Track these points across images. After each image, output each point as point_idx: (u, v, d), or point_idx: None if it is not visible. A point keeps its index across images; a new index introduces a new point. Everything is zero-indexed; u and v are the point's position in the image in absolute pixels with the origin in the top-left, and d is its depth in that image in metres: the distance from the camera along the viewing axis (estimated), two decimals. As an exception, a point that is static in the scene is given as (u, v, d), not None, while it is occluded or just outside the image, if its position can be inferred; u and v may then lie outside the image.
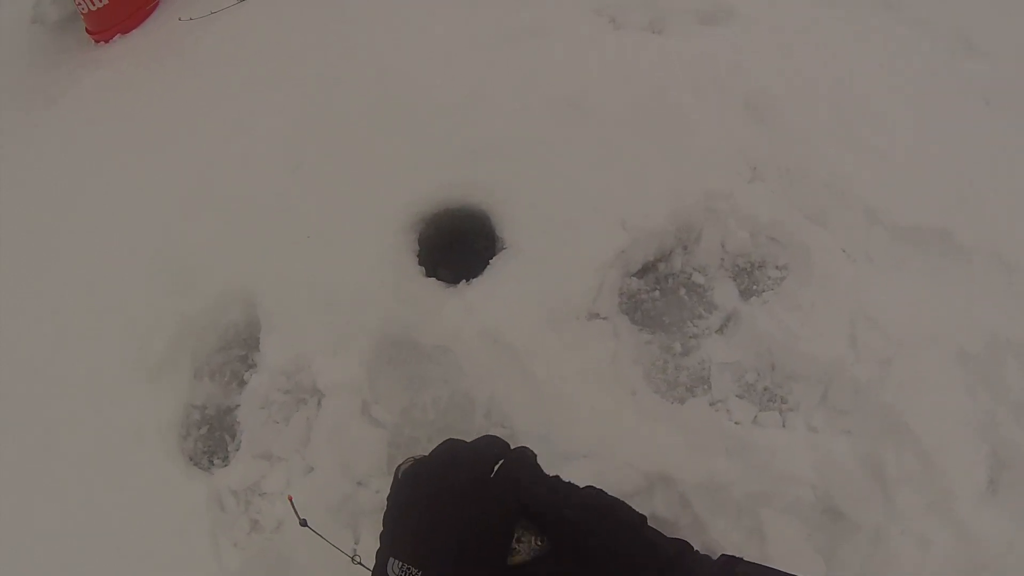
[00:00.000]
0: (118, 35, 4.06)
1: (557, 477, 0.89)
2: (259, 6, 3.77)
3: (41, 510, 2.34)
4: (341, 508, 2.16)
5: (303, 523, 1.71)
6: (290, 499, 1.76)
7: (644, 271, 2.45)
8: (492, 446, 0.90)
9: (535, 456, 0.90)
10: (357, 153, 2.82)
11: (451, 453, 0.90)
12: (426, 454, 0.91)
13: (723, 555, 0.82)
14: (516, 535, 0.81)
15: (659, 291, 2.42)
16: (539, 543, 0.81)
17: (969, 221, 2.41)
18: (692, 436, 2.12)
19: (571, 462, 2.10)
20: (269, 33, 3.59)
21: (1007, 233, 2.39)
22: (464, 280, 2.45)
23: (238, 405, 2.43)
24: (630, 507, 0.85)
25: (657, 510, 2.05)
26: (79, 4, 3.99)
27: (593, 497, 0.86)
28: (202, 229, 2.78)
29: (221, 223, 2.77)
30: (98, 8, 3.96)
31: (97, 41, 4.09)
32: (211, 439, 2.42)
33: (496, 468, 0.86)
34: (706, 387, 2.24)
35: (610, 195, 2.50)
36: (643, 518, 0.84)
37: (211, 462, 2.39)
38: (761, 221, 2.46)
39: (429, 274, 2.51)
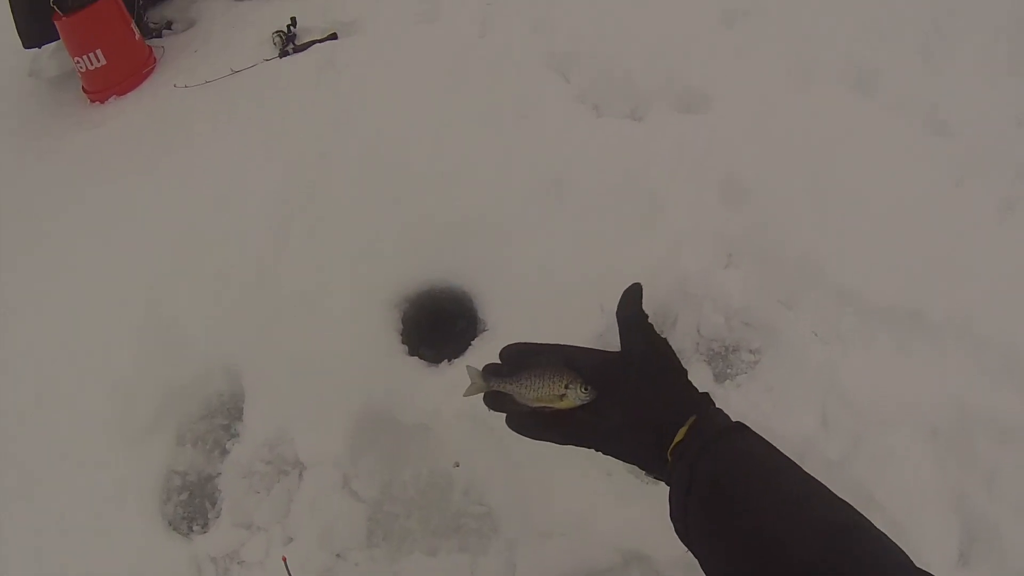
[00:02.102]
0: (114, 96, 4.12)
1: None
2: (252, 77, 3.86)
3: (17, 570, 2.35)
4: (320, 580, 2.19)
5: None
6: (284, 560, 1.81)
7: (622, 353, 2.50)
8: None
9: None
10: (343, 229, 2.89)
11: None
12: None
13: (737, 421, 0.90)
14: (565, 383, 0.92)
15: (636, 374, 2.47)
16: (584, 391, 0.91)
17: (940, 299, 2.46)
18: (667, 515, 2.15)
19: (548, 540, 2.14)
20: (260, 104, 3.67)
21: (977, 309, 2.43)
22: (446, 360, 2.52)
23: (219, 473, 2.46)
24: (676, 359, 0.95)
25: (633, 587, 2.09)
26: (77, 62, 4.06)
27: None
28: (188, 297, 2.82)
29: (207, 292, 2.81)
30: (96, 68, 4.04)
31: (93, 100, 4.16)
32: (191, 505, 2.45)
33: None
34: (682, 467, 2.29)
35: (588, 278, 2.56)
36: (684, 371, 0.95)
37: (191, 528, 2.40)
38: (735, 306, 2.53)
39: (412, 352, 2.57)
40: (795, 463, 0.85)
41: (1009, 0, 3.60)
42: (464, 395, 1.01)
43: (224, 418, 2.58)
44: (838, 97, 3.25)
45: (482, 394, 1.00)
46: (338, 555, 2.23)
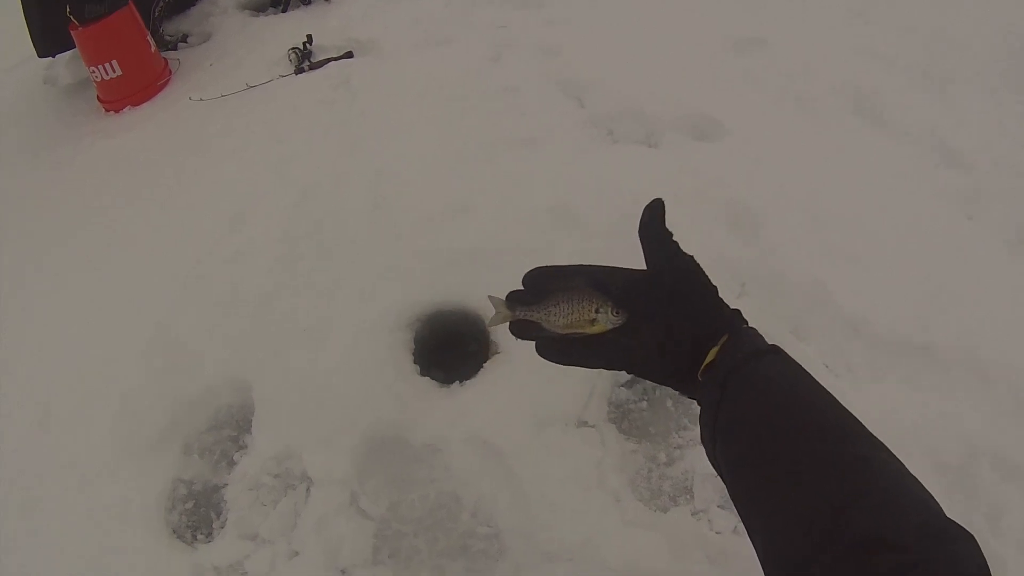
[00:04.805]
0: (129, 107, 4.16)
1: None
2: (267, 93, 3.90)
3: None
4: (324, 595, 2.19)
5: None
6: None
7: (632, 381, 2.51)
8: None
9: None
10: (356, 251, 2.92)
11: None
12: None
13: (772, 344, 0.89)
14: (596, 307, 0.90)
15: (646, 401, 2.47)
16: (615, 314, 0.90)
17: (948, 332, 2.47)
18: (674, 544, 2.15)
19: (554, 563, 2.13)
20: (275, 123, 3.71)
21: (984, 343, 2.44)
22: (457, 381, 2.53)
23: (226, 484, 2.45)
24: (704, 276, 0.94)
25: (640, 614, 2.10)
26: (93, 72, 4.10)
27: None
28: (198, 313, 2.83)
29: (218, 309, 2.82)
30: (111, 79, 4.07)
31: (108, 110, 4.19)
32: (196, 514, 2.43)
33: None
34: (689, 496, 2.28)
35: (603, 304, 2.56)
36: (714, 288, 0.94)
37: (195, 537, 2.39)
38: (747, 335, 2.53)
39: (423, 373, 2.58)
40: (827, 391, 0.83)
41: (1006, 20, 3.65)
42: (488, 325, 1.00)
43: (232, 430, 2.58)
44: (847, 125, 3.31)
45: (507, 324, 0.97)
46: (343, 571, 2.21)
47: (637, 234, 0.97)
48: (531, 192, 3.02)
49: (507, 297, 0.97)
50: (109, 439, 2.56)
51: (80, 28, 3.94)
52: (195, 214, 3.25)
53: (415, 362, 2.62)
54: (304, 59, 4.12)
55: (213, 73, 4.25)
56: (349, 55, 4.10)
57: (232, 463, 2.50)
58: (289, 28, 4.39)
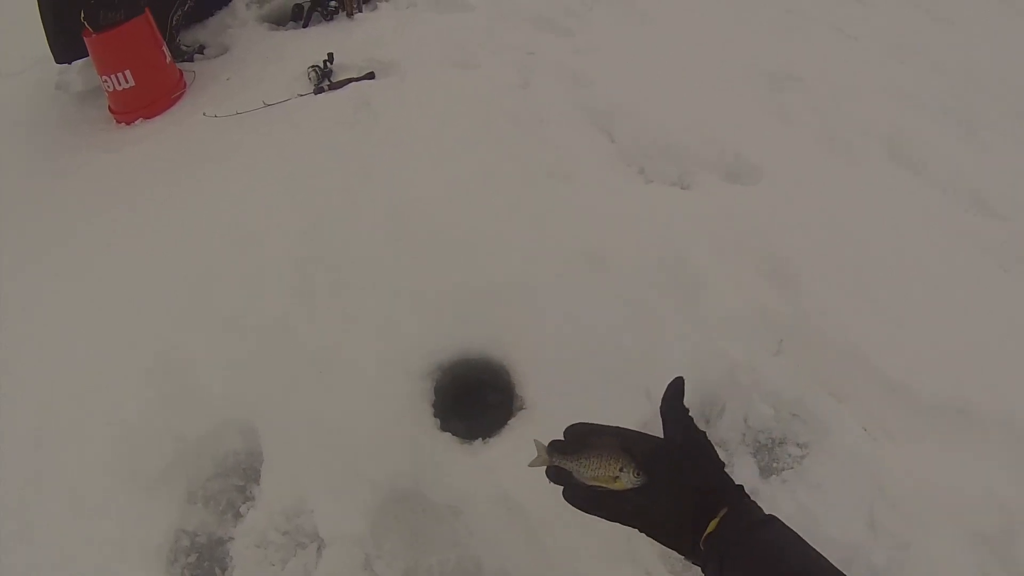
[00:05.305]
0: (140, 119, 4.05)
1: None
2: (284, 112, 3.80)
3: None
4: (332, 664, 2.06)
5: None
6: None
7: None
8: None
9: None
10: (371, 286, 2.78)
11: None
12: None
13: (769, 514, 1.00)
14: (620, 465, 1.02)
15: (678, 469, 2.36)
16: (636, 475, 1.01)
17: (986, 393, 2.40)
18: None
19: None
20: (291, 143, 3.59)
21: (1021, 403, 2.38)
22: (480, 439, 2.40)
23: (232, 538, 2.32)
24: (713, 451, 1.06)
25: None
26: (105, 81, 4.00)
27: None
28: (203, 342, 2.69)
29: (223, 339, 2.69)
30: (124, 89, 3.97)
31: (119, 121, 4.08)
32: (199, 568, 2.30)
33: None
34: (721, 571, 2.19)
35: (633, 359, 2.47)
36: (721, 464, 1.05)
37: (198, 595, 2.27)
38: (784, 397, 2.45)
39: (444, 427, 2.44)
40: (823, 556, 0.93)
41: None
42: (528, 465, 1.13)
43: (239, 479, 2.44)
44: (884, 173, 3.27)
45: (544, 467, 1.11)
46: (354, 642, 2.10)
47: (659, 409, 1.10)
48: (561, 233, 2.91)
49: (549, 444, 1.11)
50: (107, 472, 2.41)
51: (94, 35, 3.84)
52: (204, 236, 3.12)
53: (435, 415, 2.48)
54: (324, 78, 4.00)
55: (229, 88, 4.14)
56: (371, 76, 3.99)
57: (239, 515, 2.36)
58: (310, 44, 4.29)
